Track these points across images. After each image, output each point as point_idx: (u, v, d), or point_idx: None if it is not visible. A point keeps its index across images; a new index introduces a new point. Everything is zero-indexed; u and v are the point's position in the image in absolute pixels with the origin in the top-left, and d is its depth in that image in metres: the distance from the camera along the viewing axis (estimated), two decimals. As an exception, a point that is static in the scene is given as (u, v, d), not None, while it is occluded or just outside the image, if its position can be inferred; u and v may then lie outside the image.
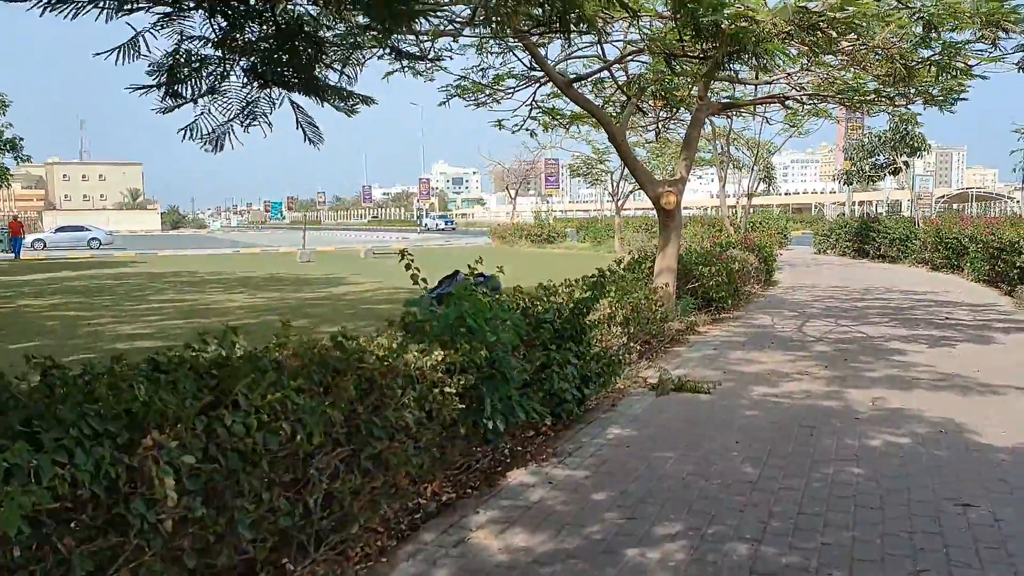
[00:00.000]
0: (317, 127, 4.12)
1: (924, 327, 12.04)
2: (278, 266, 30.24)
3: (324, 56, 3.94)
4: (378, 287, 20.01)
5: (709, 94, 13.03)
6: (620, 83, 12.47)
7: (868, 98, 11.84)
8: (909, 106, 13.07)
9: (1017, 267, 14.85)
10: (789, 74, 12.10)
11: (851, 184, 30.46)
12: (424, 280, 6.01)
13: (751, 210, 35.16)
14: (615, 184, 36.45)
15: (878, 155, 27.60)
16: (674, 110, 13.44)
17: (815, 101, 12.84)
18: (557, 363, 6.54)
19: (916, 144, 25.95)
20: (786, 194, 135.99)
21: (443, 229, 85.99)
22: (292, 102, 4.02)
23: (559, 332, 6.79)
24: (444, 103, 14.17)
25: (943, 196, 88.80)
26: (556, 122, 15.60)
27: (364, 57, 7.33)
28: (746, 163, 37.36)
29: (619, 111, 14.15)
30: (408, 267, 5.81)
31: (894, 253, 26.47)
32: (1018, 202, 55.93)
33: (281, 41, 3.64)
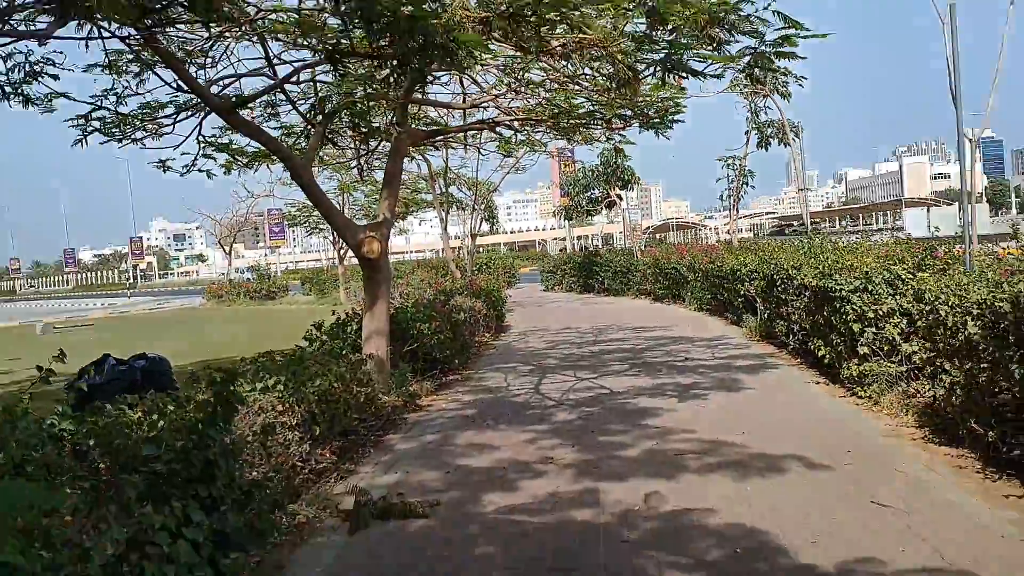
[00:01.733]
0: None
1: (667, 373, 10.82)
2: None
3: None
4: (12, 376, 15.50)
5: (412, 122, 11.05)
6: (300, 108, 10.02)
7: (582, 121, 10.50)
8: (624, 132, 12.02)
9: (741, 295, 14.53)
10: (497, 96, 10.43)
11: (571, 219, 30.59)
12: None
13: (476, 251, 34.27)
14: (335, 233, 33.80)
15: (593, 189, 27.83)
16: (372, 141, 11.26)
17: (527, 127, 11.35)
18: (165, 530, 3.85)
19: (627, 177, 26.43)
20: (510, 232, 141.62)
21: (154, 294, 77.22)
22: None
23: (164, 478, 4.13)
24: (80, 141, 10.83)
25: (649, 227, 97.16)
26: (237, 161, 12.75)
27: None
28: (469, 203, 36.70)
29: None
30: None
31: (617, 286, 26.54)
32: (713, 229, 61.62)
33: None
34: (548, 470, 6.48)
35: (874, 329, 8.21)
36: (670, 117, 10.92)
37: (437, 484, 6.29)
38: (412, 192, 28.88)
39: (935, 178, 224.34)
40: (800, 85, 20.15)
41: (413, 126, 11.12)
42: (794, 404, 8.45)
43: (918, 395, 7.96)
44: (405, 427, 8.57)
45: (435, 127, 11.53)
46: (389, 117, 10.47)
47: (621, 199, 28.17)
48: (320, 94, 9.83)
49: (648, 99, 10.19)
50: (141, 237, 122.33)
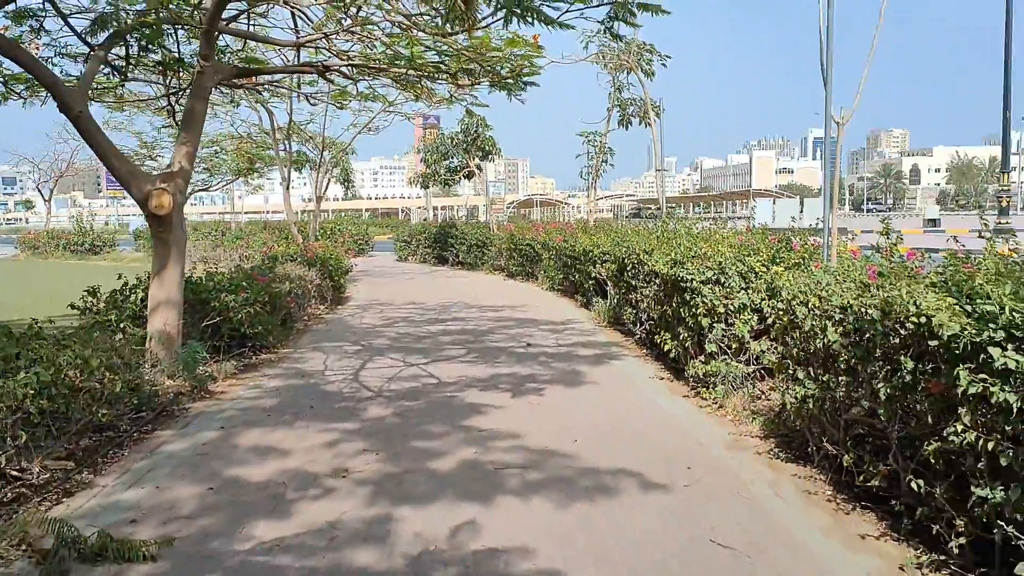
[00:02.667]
0: None
1: (506, 361, 9.84)
2: None
3: None
4: None
5: (224, 55, 9.40)
6: (75, 25, 8.17)
7: (424, 73, 9.22)
8: (473, 91, 10.85)
9: (592, 278, 13.80)
10: (327, 35, 8.95)
11: (427, 188, 29.17)
12: None
13: (322, 215, 32.21)
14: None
15: (452, 158, 26.52)
16: (171, 74, 9.48)
17: (364, 76, 9.92)
18: None
19: (487, 148, 25.30)
20: (374, 199, 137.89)
21: None
22: None
23: None
24: None
25: (512, 201, 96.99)
26: (11, 89, 10.62)
27: None
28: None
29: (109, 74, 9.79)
30: None
31: (472, 260, 25.54)
32: (576, 208, 61.79)
33: None
34: (338, 487, 5.28)
35: (724, 325, 7.52)
36: (524, 78, 9.87)
37: (190, 505, 4.96)
38: (258, 148, 26.54)
39: (779, 172, 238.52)
40: (664, 64, 19.70)
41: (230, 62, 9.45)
42: (634, 404, 7.65)
43: (763, 397, 7.35)
44: (183, 420, 7.11)
45: (254, 65, 9.88)
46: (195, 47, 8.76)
47: (481, 170, 27.03)
48: (103, 8, 8.04)
49: (499, 55, 9.05)
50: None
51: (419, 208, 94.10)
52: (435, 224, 30.33)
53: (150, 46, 8.31)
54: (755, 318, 7.42)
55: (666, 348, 8.61)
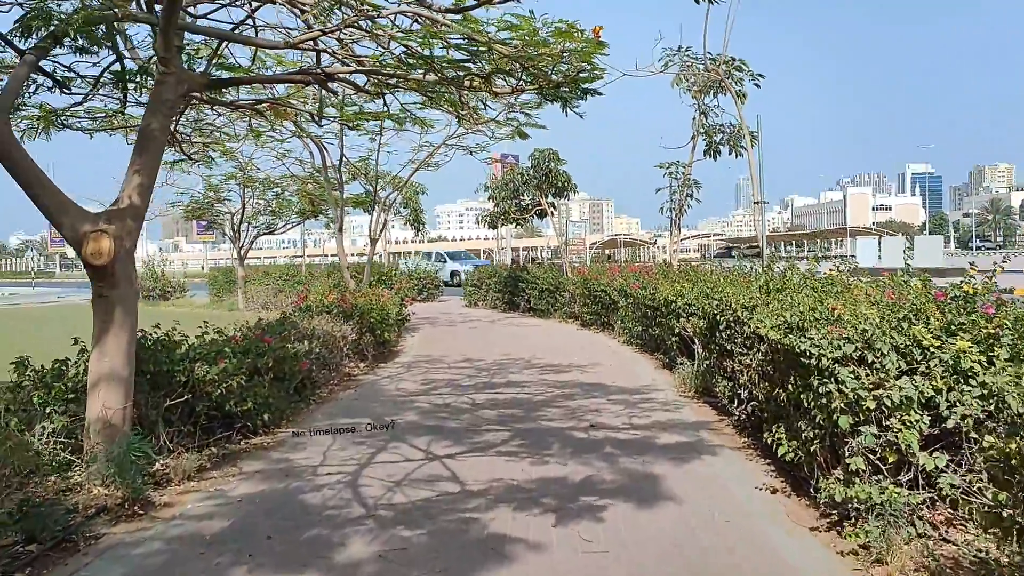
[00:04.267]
0: None
1: (559, 453, 7.42)
2: None
3: None
4: None
5: (188, 60, 7.50)
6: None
7: (449, 77, 7.07)
8: (527, 107, 8.66)
9: (676, 334, 11.30)
10: (325, 32, 6.91)
11: (496, 227, 27.14)
12: None
13: (378, 256, 30.56)
14: (235, 227, 29.77)
15: (523, 195, 24.41)
16: (135, 86, 7.60)
17: (382, 87, 7.86)
18: None
19: (560, 183, 23.11)
20: (457, 240, 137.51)
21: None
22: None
23: None
24: None
25: (595, 242, 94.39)
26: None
27: None
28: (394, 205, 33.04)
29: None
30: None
31: (543, 306, 23.21)
32: (661, 248, 58.94)
33: None
34: None
35: (875, 428, 4.96)
36: (583, 84, 7.63)
37: None
38: (320, 188, 25.10)
39: (876, 209, 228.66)
40: (757, 85, 17.14)
41: (199, 69, 7.54)
42: (735, 542, 5.13)
43: (947, 540, 4.74)
44: (83, 559, 4.99)
45: (233, 74, 7.95)
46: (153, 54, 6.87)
47: (555, 208, 24.79)
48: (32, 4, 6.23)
49: (547, 51, 6.84)
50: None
51: (505, 249, 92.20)
52: (506, 267, 28.17)
53: (89, 47, 6.47)
54: (925, 417, 4.85)
55: (780, 452, 6.04)
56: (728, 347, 8.32)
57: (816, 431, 5.43)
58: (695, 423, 8.63)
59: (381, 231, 22.43)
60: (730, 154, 17.62)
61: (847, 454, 5.05)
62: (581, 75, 7.39)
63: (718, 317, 8.78)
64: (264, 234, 31.74)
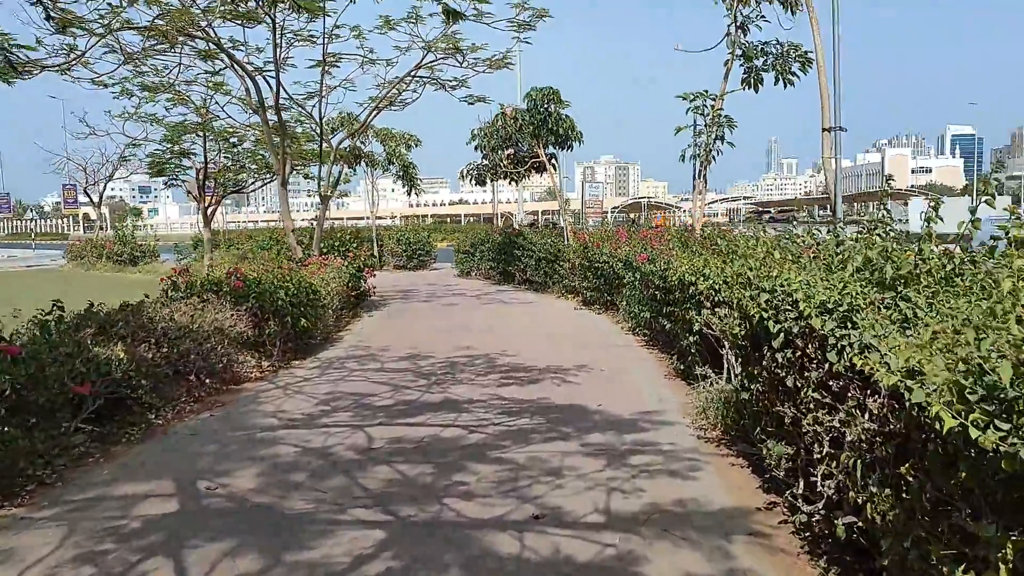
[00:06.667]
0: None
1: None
2: None
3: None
4: None
5: None
6: None
7: None
8: None
9: (696, 332, 7.35)
10: None
11: (482, 184, 23.05)
12: None
13: (389, 222, 26.68)
14: (199, 184, 25.93)
15: (521, 144, 20.18)
16: None
17: None
18: None
19: (562, 130, 18.85)
20: (472, 203, 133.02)
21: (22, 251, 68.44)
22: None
23: None
24: None
25: (617, 206, 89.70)
26: None
27: None
28: (380, 160, 29.00)
29: None
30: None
31: (540, 278, 19.30)
32: (686, 212, 54.41)
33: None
34: None
35: None
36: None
37: None
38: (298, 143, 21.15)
39: (915, 171, 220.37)
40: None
41: None
42: None
43: None
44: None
45: None
46: None
47: (555, 161, 20.67)
48: None
49: None
50: (73, 185, 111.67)
51: (527, 213, 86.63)
52: (500, 231, 24.15)
53: None
54: None
55: None
56: (790, 381, 4.40)
57: None
58: (730, 511, 4.74)
59: (334, 188, 18.47)
60: (776, 83, 13.41)
61: None
62: None
63: (767, 318, 4.83)
64: (233, 192, 27.92)
